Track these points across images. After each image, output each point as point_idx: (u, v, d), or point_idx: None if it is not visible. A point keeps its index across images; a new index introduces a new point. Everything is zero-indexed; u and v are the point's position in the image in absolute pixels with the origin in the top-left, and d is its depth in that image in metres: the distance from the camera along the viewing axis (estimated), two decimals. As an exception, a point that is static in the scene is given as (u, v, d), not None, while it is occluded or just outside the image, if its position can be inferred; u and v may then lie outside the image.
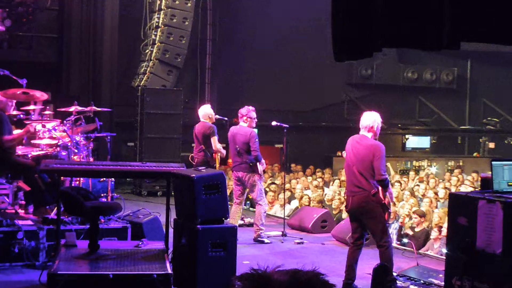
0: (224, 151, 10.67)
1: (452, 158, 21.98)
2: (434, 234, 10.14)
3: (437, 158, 21.77)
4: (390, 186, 7.46)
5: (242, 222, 11.16)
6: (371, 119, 7.49)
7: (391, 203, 7.50)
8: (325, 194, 13.82)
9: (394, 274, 7.69)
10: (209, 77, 19.00)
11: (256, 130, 10.25)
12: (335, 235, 10.67)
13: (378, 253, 7.50)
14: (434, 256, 9.56)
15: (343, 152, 8.19)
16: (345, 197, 7.68)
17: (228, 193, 8.62)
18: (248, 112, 10.16)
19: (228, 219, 11.22)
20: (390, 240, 7.57)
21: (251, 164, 9.99)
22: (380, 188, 7.28)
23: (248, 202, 12.04)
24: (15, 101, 9.13)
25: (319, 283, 2.10)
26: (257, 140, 10.02)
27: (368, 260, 8.06)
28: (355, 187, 7.41)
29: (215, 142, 10.35)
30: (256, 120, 10.28)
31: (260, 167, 10.04)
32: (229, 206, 7.78)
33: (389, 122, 19.71)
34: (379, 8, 3.34)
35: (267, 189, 13.36)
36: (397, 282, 7.66)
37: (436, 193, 13.57)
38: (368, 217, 7.39)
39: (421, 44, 3.45)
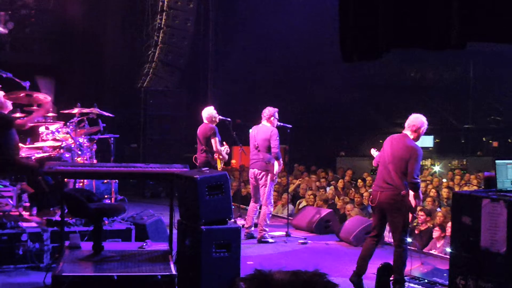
0: (226, 155, 10.70)
1: (455, 157, 21.97)
2: (436, 233, 10.13)
3: (440, 157, 21.76)
4: (420, 191, 7.46)
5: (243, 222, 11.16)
6: (419, 121, 7.53)
7: (418, 207, 7.52)
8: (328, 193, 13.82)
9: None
10: (212, 78, 19.00)
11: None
12: (339, 235, 10.65)
13: (393, 253, 7.49)
14: (438, 256, 9.55)
15: (373, 150, 8.21)
16: (372, 192, 7.70)
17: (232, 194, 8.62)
18: (273, 113, 10.26)
19: (239, 218, 11.31)
20: (407, 240, 7.57)
21: (266, 162, 10.08)
22: (410, 191, 7.30)
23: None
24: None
25: (320, 283, 2.11)
26: (278, 138, 10.10)
27: (375, 260, 8.04)
28: (385, 183, 7.43)
29: (216, 143, 10.38)
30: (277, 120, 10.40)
31: (276, 166, 10.10)
32: (233, 207, 7.76)
33: (392, 121, 19.71)
34: (384, 8, 3.34)
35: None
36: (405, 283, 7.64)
37: (439, 192, 13.57)
38: (393, 215, 7.42)
39: (427, 44, 3.45)
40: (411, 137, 7.48)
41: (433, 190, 13.73)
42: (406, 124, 7.59)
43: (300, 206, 13.25)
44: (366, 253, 7.61)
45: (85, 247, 7.27)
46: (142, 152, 16.20)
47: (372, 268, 7.70)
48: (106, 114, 10.11)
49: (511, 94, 22.45)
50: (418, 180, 7.34)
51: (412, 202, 7.32)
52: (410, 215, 7.44)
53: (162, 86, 16.55)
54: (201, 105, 11.15)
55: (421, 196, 7.58)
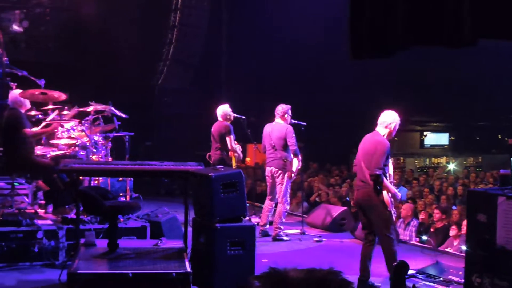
0: (240, 153, 10.70)
1: (471, 155, 21.86)
2: (453, 231, 10.09)
3: (455, 155, 21.65)
4: (390, 186, 7.39)
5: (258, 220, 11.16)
6: (390, 117, 7.56)
7: (393, 203, 7.45)
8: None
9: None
10: (225, 75, 18.99)
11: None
12: (354, 233, 10.61)
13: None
14: (453, 253, 9.50)
15: None
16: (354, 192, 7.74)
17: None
18: (287, 110, 10.25)
19: (253, 216, 11.31)
20: (393, 237, 7.52)
21: (284, 160, 10.09)
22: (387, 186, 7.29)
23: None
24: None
25: (335, 281, 2.10)
26: (294, 135, 10.10)
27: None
28: (360, 182, 7.53)
29: (230, 141, 10.40)
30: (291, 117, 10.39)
31: (296, 163, 10.11)
32: (248, 205, 7.76)
33: (407, 119, 19.61)
34: (397, 5, 3.33)
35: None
36: (412, 278, 7.62)
37: (455, 190, 13.52)
38: (370, 212, 7.46)
39: (439, 41, 3.43)
40: (383, 133, 7.52)
41: (450, 188, 13.69)
42: (378, 121, 7.61)
43: (315, 204, 13.23)
44: (364, 257, 7.57)
45: (100, 244, 7.29)
46: (156, 149, 16.23)
47: (385, 266, 7.68)
48: (119, 114, 10.07)
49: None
50: (378, 173, 7.21)
51: (385, 196, 7.29)
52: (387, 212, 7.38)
53: (176, 84, 16.58)
54: (215, 102, 11.15)
55: (394, 190, 7.46)
